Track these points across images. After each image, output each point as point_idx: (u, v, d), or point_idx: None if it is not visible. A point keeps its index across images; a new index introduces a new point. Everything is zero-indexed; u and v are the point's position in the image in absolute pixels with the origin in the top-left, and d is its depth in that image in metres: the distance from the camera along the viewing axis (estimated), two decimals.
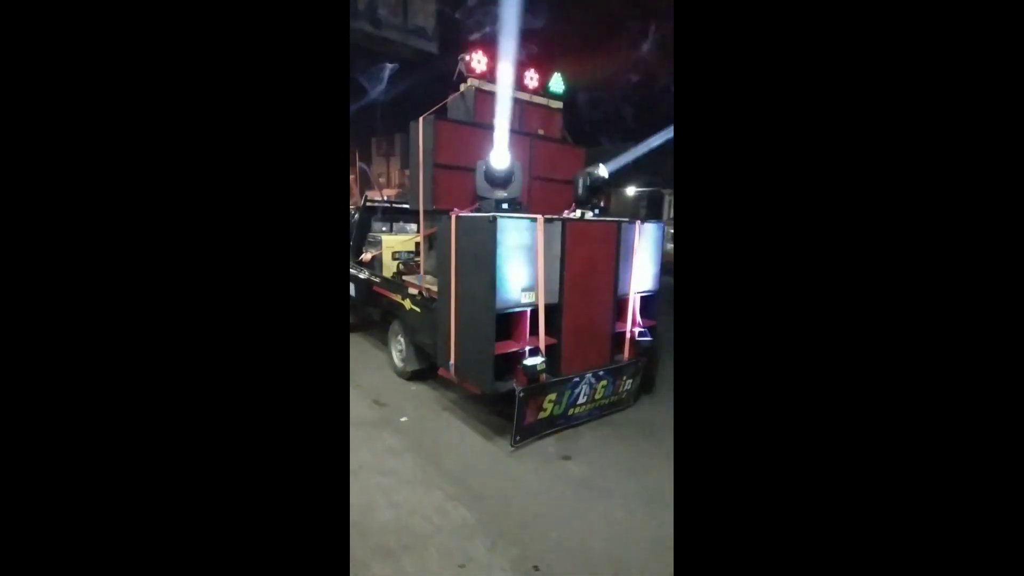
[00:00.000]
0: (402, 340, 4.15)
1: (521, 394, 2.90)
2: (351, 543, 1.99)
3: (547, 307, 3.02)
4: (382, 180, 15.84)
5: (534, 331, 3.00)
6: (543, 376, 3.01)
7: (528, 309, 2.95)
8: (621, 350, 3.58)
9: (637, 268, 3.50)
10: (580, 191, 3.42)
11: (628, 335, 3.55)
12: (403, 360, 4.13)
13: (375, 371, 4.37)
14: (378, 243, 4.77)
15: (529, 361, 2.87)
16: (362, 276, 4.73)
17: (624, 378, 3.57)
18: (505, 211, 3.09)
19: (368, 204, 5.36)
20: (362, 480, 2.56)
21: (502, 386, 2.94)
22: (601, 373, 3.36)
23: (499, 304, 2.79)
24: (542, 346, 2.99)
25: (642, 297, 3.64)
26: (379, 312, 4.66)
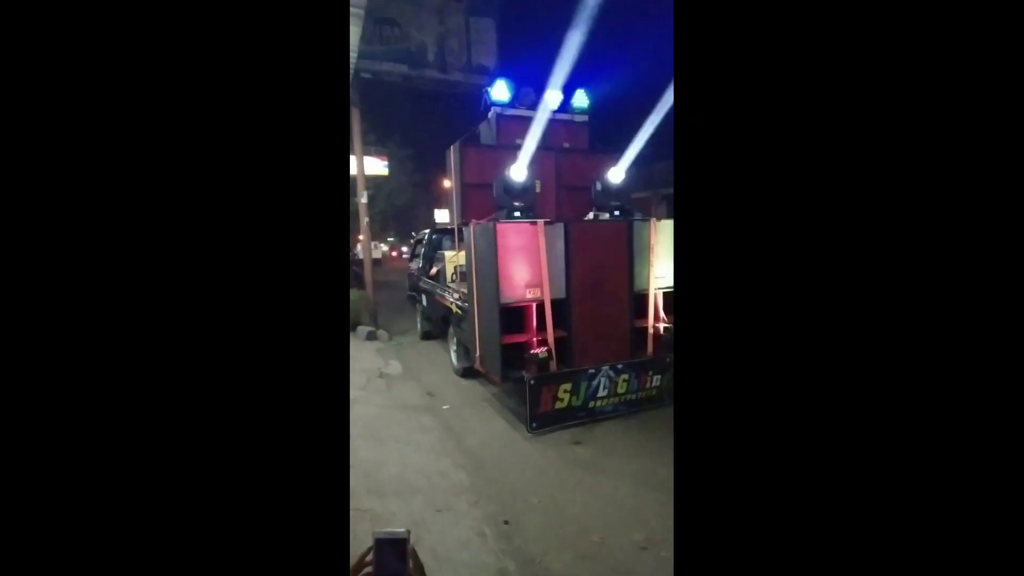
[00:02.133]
0: (455, 341, 4.68)
1: (532, 382, 3.19)
2: (354, 483, 2.49)
3: (555, 302, 3.29)
4: None
5: (545, 325, 3.28)
6: (552, 365, 3.26)
7: (534, 304, 3.25)
8: (645, 346, 3.65)
9: (656, 265, 3.58)
10: (592, 195, 3.65)
11: (651, 331, 3.61)
12: (457, 359, 4.65)
13: (437, 370, 4.96)
14: (442, 259, 5.44)
15: (534, 351, 3.16)
16: (430, 289, 5.42)
17: (650, 374, 3.62)
18: (516, 218, 3.46)
19: (437, 226, 6.12)
20: (387, 447, 3.07)
21: (514, 375, 3.26)
22: (620, 367, 3.48)
23: (503, 299, 3.14)
24: (550, 338, 3.25)
25: (665, 294, 3.68)
26: (440, 319, 5.28)
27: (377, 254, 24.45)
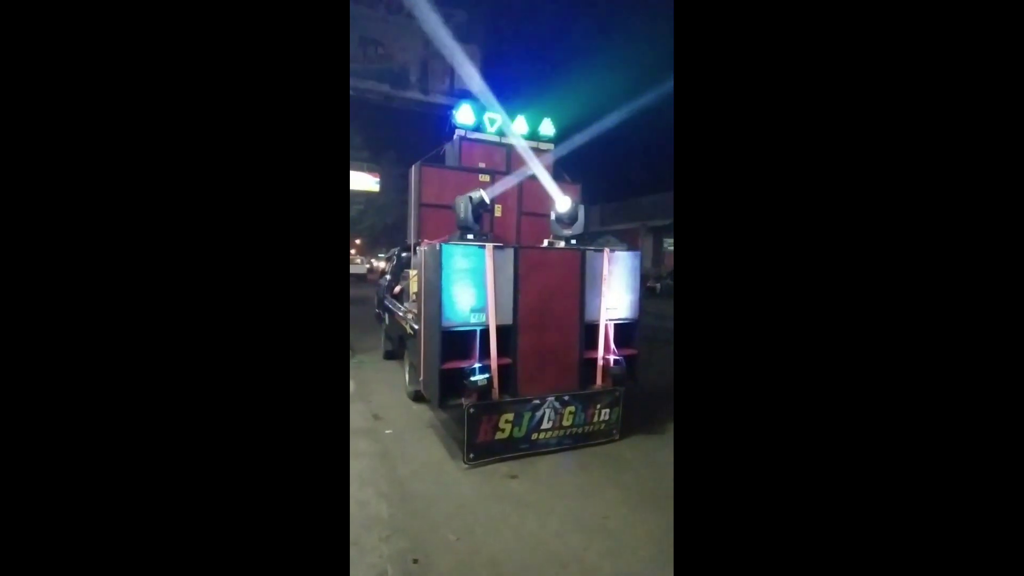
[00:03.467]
0: (408, 363, 4.56)
1: (471, 411, 3.08)
2: None
3: (501, 328, 3.21)
4: None
5: (488, 352, 3.19)
6: (494, 393, 3.15)
7: (478, 329, 3.17)
8: (594, 378, 3.56)
9: (608, 296, 3.53)
10: (549, 223, 3.61)
11: (600, 363, 3.54)
12: (409, 381, 4.52)
13: (390, 392, 4.82)
14: (407, 278, 5.36)
15: (472, 377, 3.06)
16: (392, 308, 5.32)
17: (598, 406, 3.53)
18: (469, 241, 3.41)
19: (407, 244, 6.06)
20: None
21: (452, 402, 3.15)
22: (567, 398, 3.39)
23: (445, 323, 3.06)
24: (493, 364, 3.16)
25: (616, 325, 3.62)
26: (398, 338, 5.17)
27: (362, 269, 24.32)
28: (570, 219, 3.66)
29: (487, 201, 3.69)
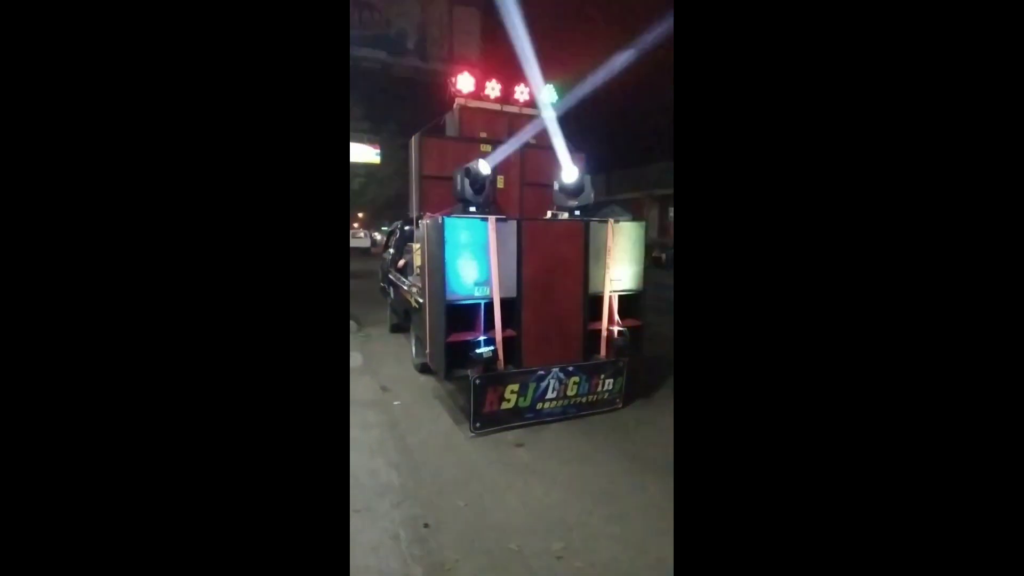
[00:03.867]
0: (414, 336, 4.61)
1: (477, 381, 3.13)
2: None
3: (506, 301, 3.22)
4: None
5: (493, 324, 3.22)
6: (499, 365, 3.20)
7: (483, 302, 3.18)
8: (598, 349, 3.59)
9: (612, 267, 3.52)
10: (552, 194, 3.57)
11: (604, 334, 3.56)
12: (416, 353, 4.58)
13: (397, 364, 4.89)
14: (410, 251, 5.35)
15: (478, 349, 3.09)
16: (396, 281, 5.34)
17: (602, 377, 3.57)
18: (470, 213, 3.38)
19: (410, 217, 6.02)
20: None
21: (458, 373, 3.20)
22: (571, 369, 3.43)
23: (449, 296, 3.07)
24: (498, 337, 3.19)
25: (621, 297, 3.62)
26: (403, 312, 5.21)
27: (366, 243, 24.28)
28: (576, 190, 3.62)
29: (483, 172, 3.63)
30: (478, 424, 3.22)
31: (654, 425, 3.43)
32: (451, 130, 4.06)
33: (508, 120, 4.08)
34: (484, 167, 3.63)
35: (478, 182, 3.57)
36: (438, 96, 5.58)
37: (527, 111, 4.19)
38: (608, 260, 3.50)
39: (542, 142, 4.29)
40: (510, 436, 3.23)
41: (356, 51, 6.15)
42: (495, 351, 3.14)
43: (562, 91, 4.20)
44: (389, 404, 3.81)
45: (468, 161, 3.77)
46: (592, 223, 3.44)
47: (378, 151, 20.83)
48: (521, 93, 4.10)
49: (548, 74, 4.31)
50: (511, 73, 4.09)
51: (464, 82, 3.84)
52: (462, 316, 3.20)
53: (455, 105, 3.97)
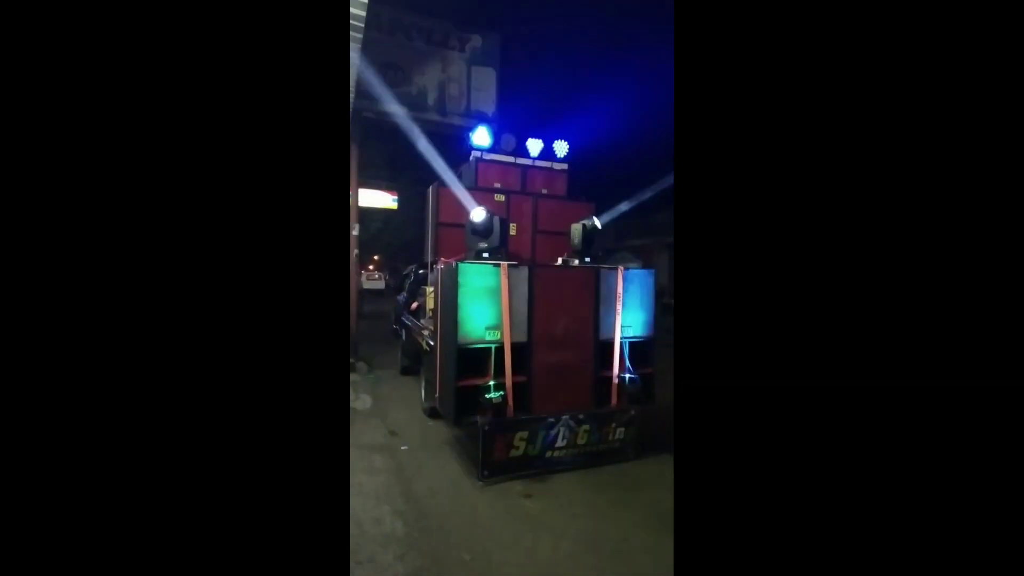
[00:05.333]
0: (424, 380, 4.60)
1: (486, 428, 3.09)
2: None
3: (516, 346, 3.23)
4: None
5: (504, 369, 3.22)
6: (508, 411, 3.16)
7: (493, 346, 3.20)
8: (609, 397, 3.55)
9: (622, 314, 3.53)
10: (575, 241, 3.66)
11: (615, 381, 3.52)
12: (425, 398, 4.55)
13: (406, 408, 4.85)
14: (423, 294, 5.43)
15: (488, 394, 3.08)
16: (409, 324, 5.40)
17: (613, 425, 3.50)
18: (484, 259, 3.46)
19: (423, 261, 6.16)
20: None
21: (467, 419, 3.17)
22: (581, 416, 3.37)
23: (461, 340, 3.10)
24: (508, 382, 3.18)
25: (632, 343, 3.61)
26: (415, 355, 5.22)
27: (380, 285, 24.61)
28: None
29: (476, 220, 3.67)
30: (486, 472, 3.15)
31: (666, 477, 3.31)
32: (467, 180, 4.24)
33: (521, 172, 4.27)
34: (478, 214, 3.69)
35: (481, 228, 3.65)
36: (455, 148, 5.85)
37: (540, 163, 4.38)
38: (618, 306, 3.52)
39: (554, 192, 4.44)
40: (519, 485, 3.15)
41: (381, 107, 6.54)
42: (505, 396, 3.12)
43: (572, 145, 4.39)
44: (396, 449, 3.76)
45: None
46: (602, 270, 3.49)
47: (396, 197, 21.55)
48: (534, 146, 4.30)
49: (560, 129, 4.53)
50: (525, 127, 4.32)
51: (480, 136, 4.06)
52: (473, 360, 3.21)
53: (471, 157, 4.17)
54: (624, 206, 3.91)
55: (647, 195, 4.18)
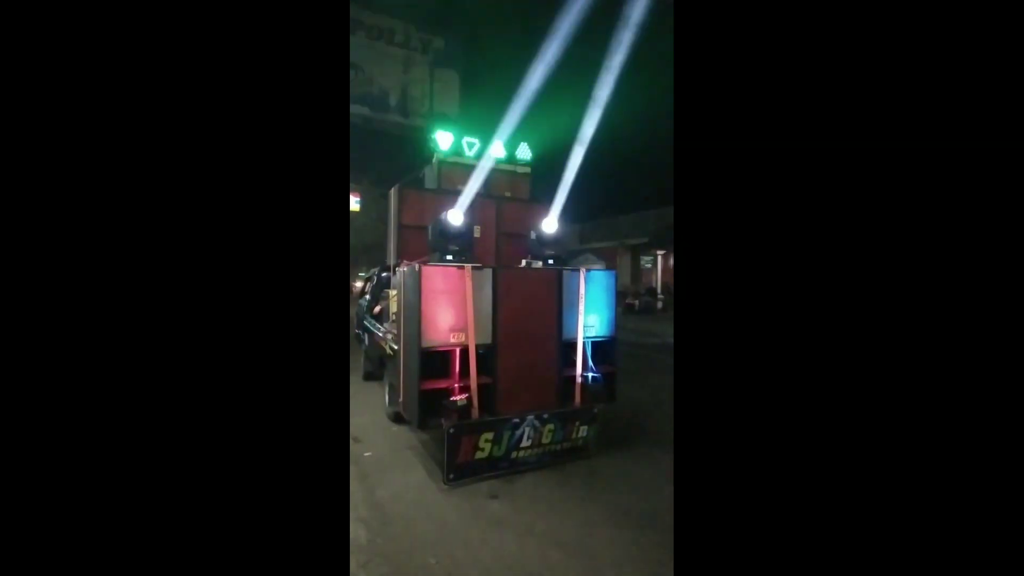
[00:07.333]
0: (388, 384, 4.53)
1: (451, 431, 3.08)
2: None
3: (481, 348, 3.24)
4: None
5: (468, 371, 3.22)
6: (474, 413, 3.17)
7: (458, 349, 3.19)
8: (573, 396, 3.61)
9: (585, 314, 3.61)
10: (528, 243, 3.71)
11: (579, 380, 3.59)
12: (389, 402, 4.48)
13: (370, 413, 4.75)
14: (387, 298, 5.35)
15: (454, 398, 3.07)
16: (372, 328, 5.30)
17: (577, 424, 3.56)
18: (448, 261, 3.46)
19: (386, 264, 6.06)
20: None
21: (432, 422, 3.15)
22: (545, 416, 3.42)
23: (425, 343, 3.08)
24: (473, 384, 3.18)
25: (594, 343, 3.69)
26: (378, 359, 5.13)
27: None
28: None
29: (453, 224, 3.71)
30: (452, 475, 3.14)
31: (629, 473, 3.41)
32: (430, 183, 4.22)
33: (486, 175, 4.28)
34: (455, 217, 3.72)
35: (452, 232, 3.66)
36: (417, 150, 5.79)
37: (504, 167, 4.41)
38: (581, 307, 3.59)
39: (517, 195, 4.48)
40: (484, 487, 3.15)
41: None
42: (470, 398, 3.13)
43: (537, 148, 4.45)
44: (360, 456, 3.68)
45: (440, 212, 3.89)
46: (565, 271, 3.56)
47: (358, 199, 21.16)
48: (497, 149, 4.32)
49: (523, 132, 4.57)
50: (488, 129, 4.33)
51: (443, 139, 4.05)
52: (437, 363, 3.20)
53: (434, 159, 4.16)
54: (585, 208, 3.99)
55: (613, 198, 4.28)
